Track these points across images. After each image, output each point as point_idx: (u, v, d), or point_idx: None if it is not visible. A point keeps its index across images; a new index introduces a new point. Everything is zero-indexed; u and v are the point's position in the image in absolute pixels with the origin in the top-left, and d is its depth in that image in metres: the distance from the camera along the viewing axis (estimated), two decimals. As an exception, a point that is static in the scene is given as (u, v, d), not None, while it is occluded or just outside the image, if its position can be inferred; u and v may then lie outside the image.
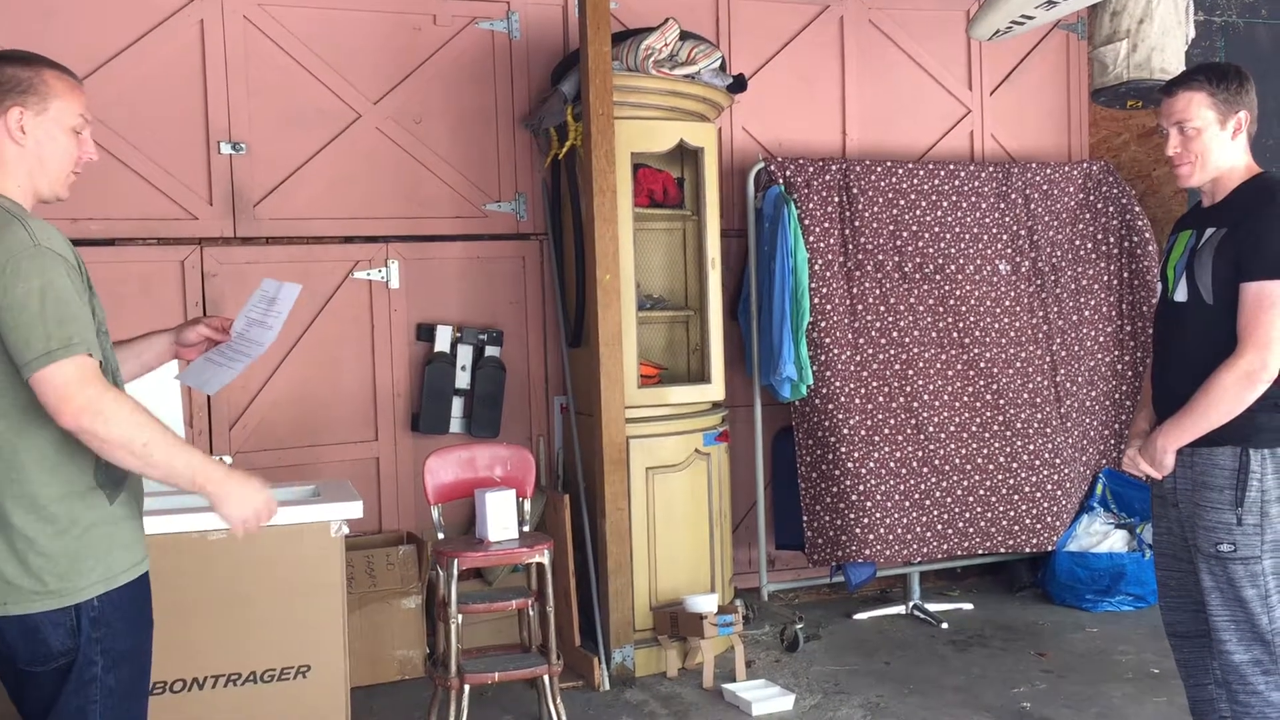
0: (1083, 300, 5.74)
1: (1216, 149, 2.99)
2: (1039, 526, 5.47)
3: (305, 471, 4.81)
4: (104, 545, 2.25)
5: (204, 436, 4.70)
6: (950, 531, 5.37)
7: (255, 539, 3.33)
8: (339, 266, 4.98)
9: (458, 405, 5.11)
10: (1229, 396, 2.84)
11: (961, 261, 5.51)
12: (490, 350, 5.16)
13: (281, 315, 2.58)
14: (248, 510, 2.33)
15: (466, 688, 3.89)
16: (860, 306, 5.33)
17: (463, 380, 5.10)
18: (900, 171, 5.47)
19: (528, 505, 4.25)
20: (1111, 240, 5.80)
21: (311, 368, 4.92)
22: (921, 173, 5.51)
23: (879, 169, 5.43)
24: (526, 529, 4.20)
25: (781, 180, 5.26)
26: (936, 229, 5.49)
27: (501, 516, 4.06)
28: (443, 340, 5.08)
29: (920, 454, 5.34)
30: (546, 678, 4.02)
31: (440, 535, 4.15)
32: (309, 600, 3.43)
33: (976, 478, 5.42)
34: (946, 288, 5.47)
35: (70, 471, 2.22)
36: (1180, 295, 3.03)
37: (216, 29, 4.75)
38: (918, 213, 5.47)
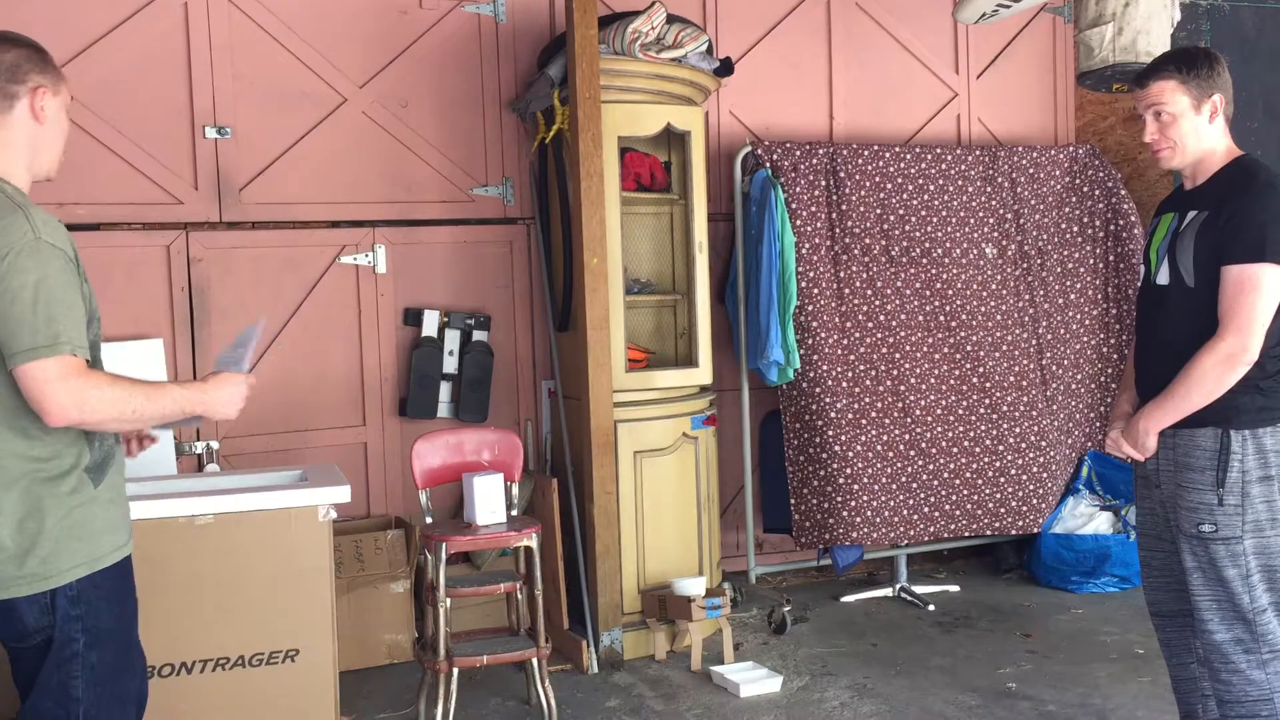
0: (1069, 283, 5.76)
1: (1193, 133, 3.01)
2: (1025, 509, 5.50)
3: (293, 456, 4.81)
4: (88, 529, 2.29)
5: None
6: (937, 514, 5.40)
7: (243, 524, 3.36)
8: (326, 251, 4.97)
9: (445, 390, 5.11)
10: (1210, 379, 2.86)
11: (948, 245, 5.52)
12: (478, 335, 5.16)
13: (249, 349, 2.62)
14: (237, 405, 2.49)
15: (455, 671, 3.91)
16: (847, 290, 5.34)
17: (450, 365, 5.10)
18: (887, 155, 5.47)
19: (515, 489, 4.26)
20: (1097, 224, 5.82)
21: (299, 353, 4.92)
22: (908, 156, 5.51)
23: (866, 153, 5.43)
24: (514, 513, 4.21)
25: (769, 164, 5.26)
26: (923, 212, 5.50)
27: (489, 500, 4.07)
28: (430, 325, 5.08)
29: (907, 437, 5.36)
30: (535, 661, 4.04)
31: (428, 519, 4.15)
32: (297, 585, 3.43)
33: (963, 460, 5.44)
34: (933, 271, 5.49)
35: (57, 459, 2.26)
36: (1162, 278, 3.04)
37: (201, 12, 4.72)
38: (904, 196, 5.48)
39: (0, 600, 2.22)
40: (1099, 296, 5.81)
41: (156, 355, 4.57)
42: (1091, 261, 5.80)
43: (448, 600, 3.93)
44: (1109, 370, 5.81)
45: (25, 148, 2.31)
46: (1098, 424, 5.78)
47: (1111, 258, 5.82)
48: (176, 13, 4.70)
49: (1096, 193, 5.82)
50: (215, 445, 4.67)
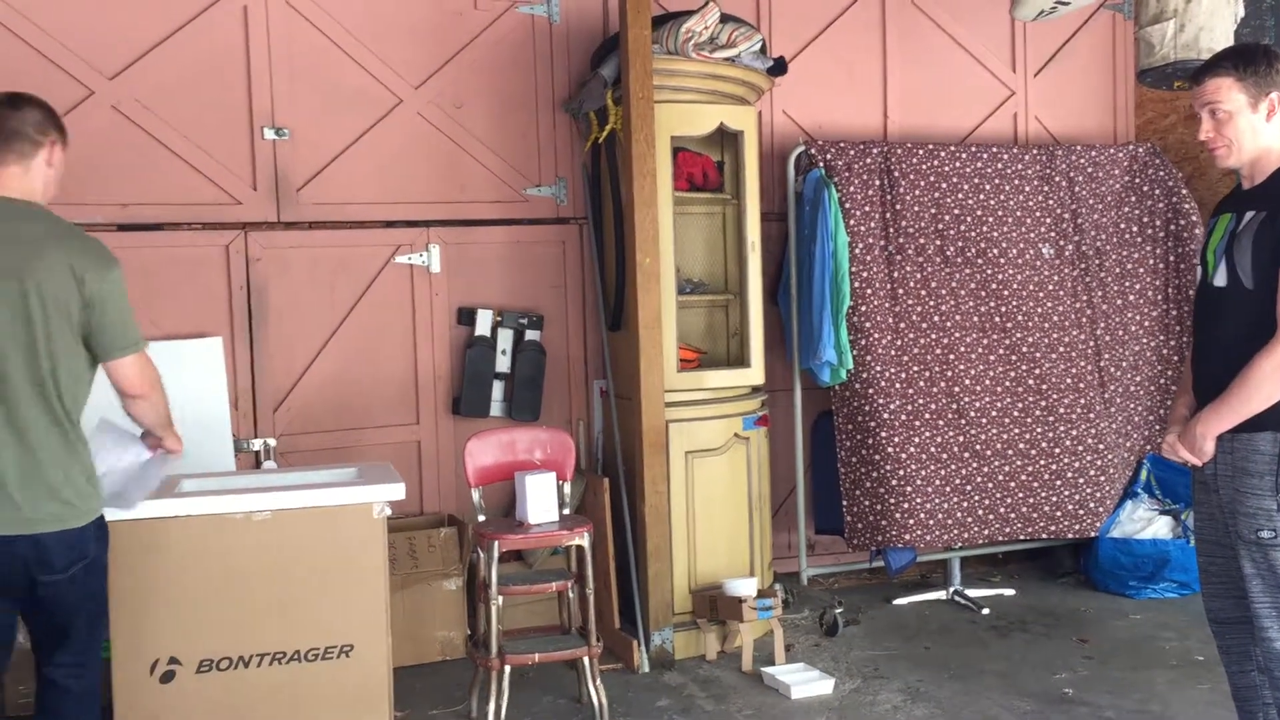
0: (1127, 284, 5.68)
1: (1250, 131, 2.96)
2: (1082, 512, 5.43)
3: (347, 454, 4.86)
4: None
5: (248, 419, 4.76)
6: (991, 517, 5.35)
7: (299, 520, 3.42)
8: (381, 251, 5.02)
9: (498, 389, 5.15)
10: (1269, 382, 2.81)
11: (1004, 245, 5.46)
12: (530, 334, 5.19)
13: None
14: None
15: (507, 668, 3.94)
16: (901, 290, 5.31)
17: (503, 364, 5.14)
18: (942, 154, 5.43)
19: (567, 488, 4.28)
20: (1158, 223, 5.73)
21: (354, 352, 4.97)
22: (964, 155, 5.46)
23: (920, 152, 5.39)
24: (566, 512, 4.23)
25: (822, 163, 5.24)
26: (979, 212, 5.45)
27: (541, 499, 4.09)
28: (483, 324, 5.11)
29: (961, 439, 5.31)
30: (586, 659, 4.05)
31: (481, 517, 4.18)
32: (352, 581, 3.47)
33: (1018, 463, 5.38)
34: (989, 271, 5.43)
35: (80, 430, 2.90)
36: (1220, 280, 2.99)
37: (260, 14, 4.79)
38: (960, 196, 5.43)
39: (71, 530, 2.79)
40: (1159, 298, 5.72)
41: (216, 353, 4.65)
42: (1151, 262, 5.71)
43: (500, 598, 3.95)
44: (1169, 373, 5.72)
45: (40, 187, 2.89)
46: (1157, 427, 5.69)
47: (1172, 258, 5.72)
48: (236, 16, 4.77)
49: (1157, 192, 5.73)
50: (272, 443, 4.73)
